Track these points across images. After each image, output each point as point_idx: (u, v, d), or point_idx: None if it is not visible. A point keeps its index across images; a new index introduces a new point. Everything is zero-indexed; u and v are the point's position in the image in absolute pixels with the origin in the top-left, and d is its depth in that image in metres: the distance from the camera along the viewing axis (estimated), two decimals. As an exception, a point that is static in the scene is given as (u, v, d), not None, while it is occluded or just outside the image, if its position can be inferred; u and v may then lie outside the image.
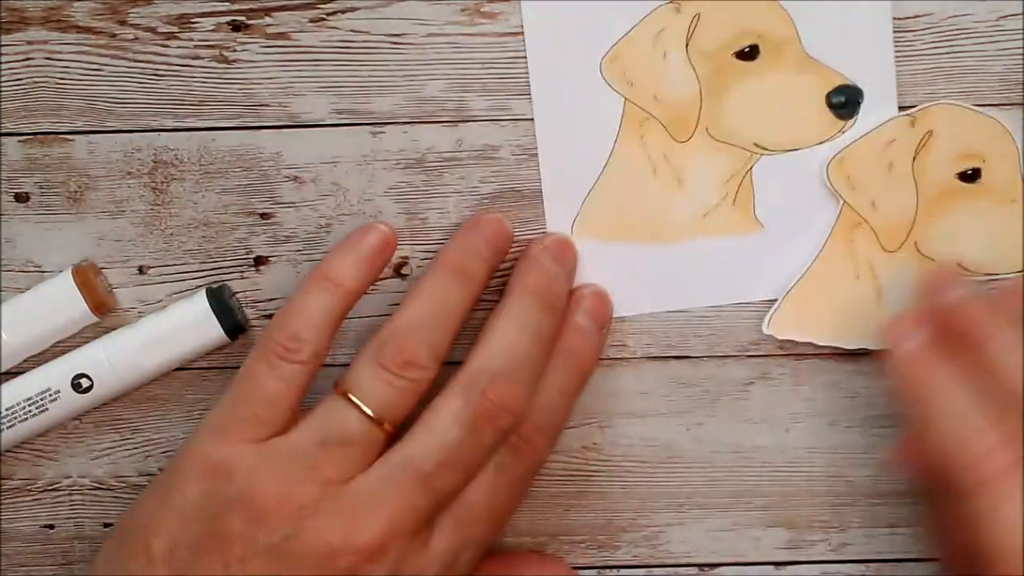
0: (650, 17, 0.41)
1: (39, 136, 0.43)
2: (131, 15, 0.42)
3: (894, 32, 0.41)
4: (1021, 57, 0.41)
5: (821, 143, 0.42)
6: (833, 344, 0.43)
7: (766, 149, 0.42)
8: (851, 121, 0.41)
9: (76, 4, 0.42)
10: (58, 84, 0.42)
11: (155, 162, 0.43)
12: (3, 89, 0.42)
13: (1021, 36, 0.41)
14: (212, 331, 0.42)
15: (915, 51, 0.42)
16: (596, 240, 0.43)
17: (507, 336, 0.39)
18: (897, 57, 0.42)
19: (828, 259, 0.42)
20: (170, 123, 0.42)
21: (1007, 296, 0.40)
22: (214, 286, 0.43)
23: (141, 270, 0.43)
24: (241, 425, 0.38)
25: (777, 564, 0.44)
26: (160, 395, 0.44)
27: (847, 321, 0.43)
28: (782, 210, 0.42)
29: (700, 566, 0.45)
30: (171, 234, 0.43)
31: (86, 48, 0.42)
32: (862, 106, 0.41)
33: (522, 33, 0.41)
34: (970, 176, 0.42)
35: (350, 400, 0.38)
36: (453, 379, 0.39)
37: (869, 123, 0.41)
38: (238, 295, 0.43)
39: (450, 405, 0.38)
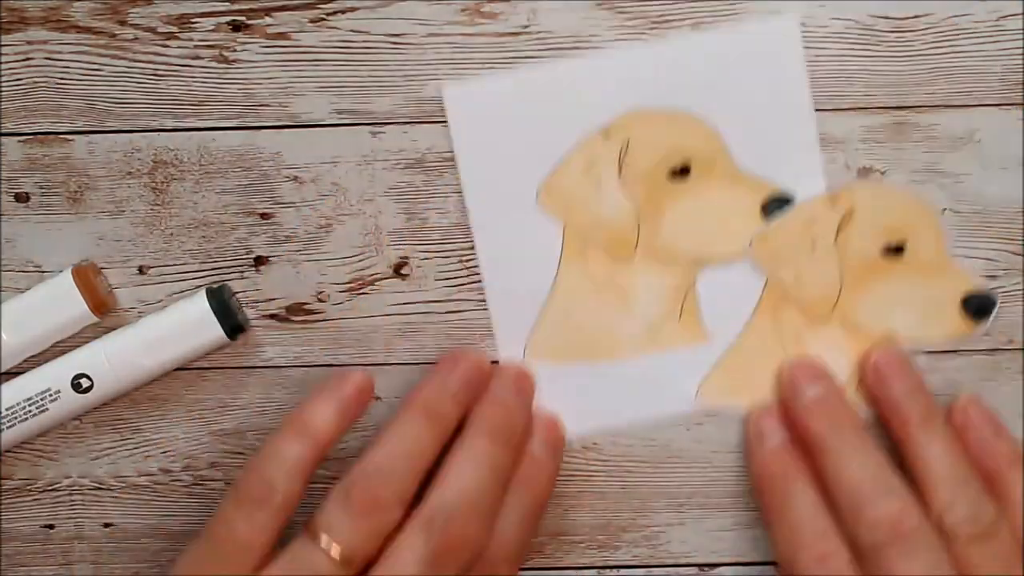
0: (581, 147, 0.42)
1: (39, 136, 0.43)
2: (131, 15, 0.42)
3: (894, 33, 0.41)
4: (1021, 57, 0.41)
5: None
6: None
7: (708, 262, 0.42)
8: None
9: (76, 4, 0.42)
10: (58, 84, 0.42)
11: (155, 162, 0.43)
12: (3, 89, 0.42)
13: (1021, 36, 0.41)
14: (212, 331, 0.42)
15: (915, 51, 0.42)
16: (548, 362, 0.43)
17: (465, 473, 0.40)
18: (897, 57, 0.42)
19: (755, 331, 0.43)
20: (170, 123, 0.42)
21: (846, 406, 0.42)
22: (214, 286, 0.43)
23: (141, 270, 0.43)
24: (214, 569, 0.39)
25: (777, 564, 0.44)
26: (160, 395, 0.44)
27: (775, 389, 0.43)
28: (729, 318, 0.43)
29: (700, 566, 0.45)
30: (171, 234, 0.43)
31: (86, 48, 0.42)
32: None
33: (523, 33, 0.41)
34: (895, 251, 0.42)
35: (319, 542, 0.38)
36: (413, 516, 0.39)
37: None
38: (238, 295, 0.43)
39: (411, 543, 0.39)
